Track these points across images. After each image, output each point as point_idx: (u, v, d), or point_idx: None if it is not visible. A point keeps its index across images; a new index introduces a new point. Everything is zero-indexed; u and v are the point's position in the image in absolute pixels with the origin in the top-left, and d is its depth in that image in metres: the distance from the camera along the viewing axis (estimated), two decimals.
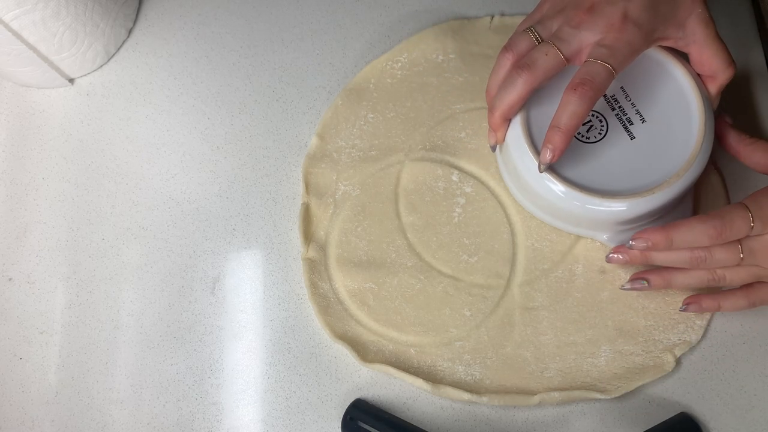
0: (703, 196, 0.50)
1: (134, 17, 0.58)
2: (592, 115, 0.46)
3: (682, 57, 0.47)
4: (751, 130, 0.52)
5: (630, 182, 0.45)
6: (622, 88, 0.47)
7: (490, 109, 0.45)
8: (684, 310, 0.45)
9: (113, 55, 0.58)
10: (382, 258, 0.50)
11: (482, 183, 0.51)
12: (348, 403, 0.47)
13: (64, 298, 0.51)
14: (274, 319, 0.50)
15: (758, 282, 0.43)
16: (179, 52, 0.57)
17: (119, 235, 0.52)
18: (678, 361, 0.47)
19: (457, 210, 0.51)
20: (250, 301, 0.50)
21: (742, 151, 0.46)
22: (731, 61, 0.45)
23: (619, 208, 0.44)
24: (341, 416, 0.47)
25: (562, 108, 0.42)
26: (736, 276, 0.43)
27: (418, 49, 0.55)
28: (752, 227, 0.41)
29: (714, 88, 0.46)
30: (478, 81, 0.54)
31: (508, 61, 0.45)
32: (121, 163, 0.54)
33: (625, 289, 0.46)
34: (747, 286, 0.44)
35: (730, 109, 0.52)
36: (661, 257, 0.43)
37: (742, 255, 0.41)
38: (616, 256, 0.45)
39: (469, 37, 0.55)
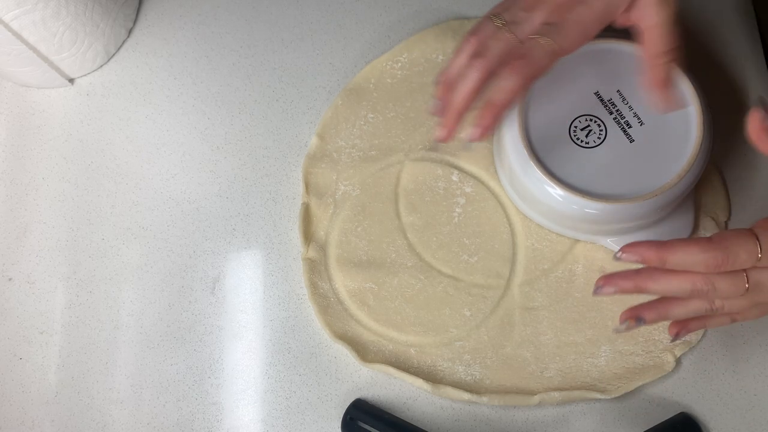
0: (704, 195, 0.50)
1: (134, 17, 0.58)
2: (591, 120, 0.46)
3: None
4: (747, 130, 0.52)
5: (630, 185, 0.45)
6: (619, 91, 0.47)
7: (448, 104, 0.43)
8: (674, 340, 0.41)
9: (113, 55, 0.58)
10: (382, 258, 0.50)
11: (482, 183, 0.51)
12: (348, 403, 0.47)
13: (64, 298, 0.51)
14: (274, 319, 0.50)
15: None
16: (179, 52, 0.57)
17: (119, 235, 0.52)
18: (678, 361, 0.47)
19: (457, 210, 0.51)
20: (250, 301, 0.50)
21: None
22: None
23: (618, 210, 0.44)
24: (341, 416, 0.47)
25: (494, 84, 0.41)
26: (735, 305, 0.38)
27: (418, 49, 0.55)
28: (759, 258, 0.35)
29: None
30: None
31: (468, 46, 0.43)
32: (121, 163, 0.54)
33: (617, 332, 0.40)
34: None
35: (730, 109, 0.52)
36: (658, 288, 0.38)
37: (747, 286, 0.36)
38: (605, 288, 0.38)
39: None
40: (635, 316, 0.39)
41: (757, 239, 0.36)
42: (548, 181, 0.44)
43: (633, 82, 0.47)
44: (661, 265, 0.37)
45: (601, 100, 0.47)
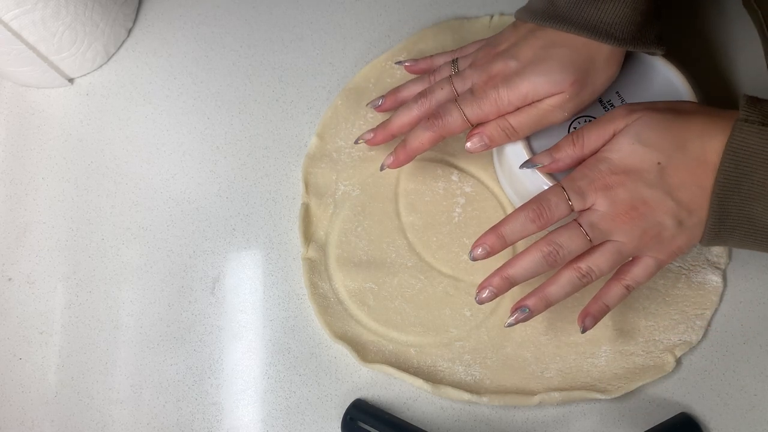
0: None
1: (134, 17, 0.58)
2: (590, 121, 0.46)
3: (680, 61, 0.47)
4: None
5: None
6: (618, 93, 0.47)
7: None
8: (584, 331, 0.42)
9: (113, 54, 0.58)
10: (382, 258, 0.50)
11: (482, 183, 0.51)
12: (348, 403, 0.47)
13: (64, 298, 0.51)
14: (274, 319, 0.50)
15: (627, 262, 0.42)
16: (179, 52, 0.57)
17: (119, 235, 0.52)
18: (678, 361, 0.47)
19: (457, 210, 0.51)
20: (250, 301, 0.50)
21: (585, 155, 0.43)
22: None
23: None
24: (341, 416, 0.47)
25: (415, 131, 0.47)
26: (600, 260, 0.41)
27: (418, 49, 0.55)
28: (570, 204, 0.41)
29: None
30: None
31: (424, 81, 0.50)
32: (121, 163, 0.54)
33: (509, 326, 0.43)
34: (618, 270, 0.43)
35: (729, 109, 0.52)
36: (518, 271, 0.42)
37: (588, 235, 0.40)
38: (482, 294, 0.43)
39: (469, 37, 0.55)
40: (518, 307, 0.43)
41: (562, 188, 0.41)
42: (547, 181, 0.44)
43: (631, 81, 0.47)
44: (503, 242, 0.42)
45: (600, 101, 0.47)
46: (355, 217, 0.51)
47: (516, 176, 0.46)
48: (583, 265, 0.41)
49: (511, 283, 0.42)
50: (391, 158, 0.48)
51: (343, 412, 0.47)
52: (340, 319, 0.49)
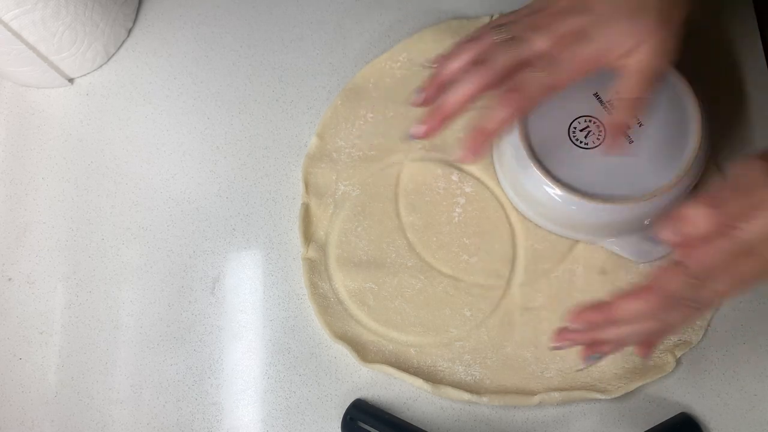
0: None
1: (134, 17, 0.58)
2: (590, 121, 0.46)
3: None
4: (751, 129, 0.52)
5: (629, 186, 0.45)
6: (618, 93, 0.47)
7: (432, 103, 0.41)
8: (646, 358, 0.41)
9: (113, 55, 0.58)
10: (382, 258, 0.50)
11: (482, 183, 0.51)
12: (348, 403, 0.47)
13: (64, 298, 0.51)
14: (274, 319, 0.50)
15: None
16: (179, 52, 0.57)
17: (119, 235, 0.52)
18: (678, 361, 0.47)
19: (457, 210, 0.51)
20: (250, 301, 0.50)
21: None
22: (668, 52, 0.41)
23: (618, 212, 0.44)
24: (341, 416, 0.47)
25: (488, 110, 0.40)
26: (678, 318, 0.38)
27: (418, 49, 0.55)
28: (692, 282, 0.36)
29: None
30: None
31: (468, 52, 0.41)
32: (121, 163, 0.54)
33: (580, 370, 0.42)
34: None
35: (728, 109, 0.52)
36: (612, 334, 0.39)
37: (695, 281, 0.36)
38: (559, 345, 0.40)
39: None
40: (595, 353, 0.40)
41: (678, 263, 0.36)
42: (547, 181, 0.44)
43: None
44: (610, 324, 0.38)
45: (600, 101, 0.47)
46: (355, 217, 0.51)
47: (516, 176, 0.46)
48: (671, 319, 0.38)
49: (595, 341, 0.39)
50: (468, 153, 0.41)
51: (343, 412, 0.47)
52: (340, 319, 0.49)
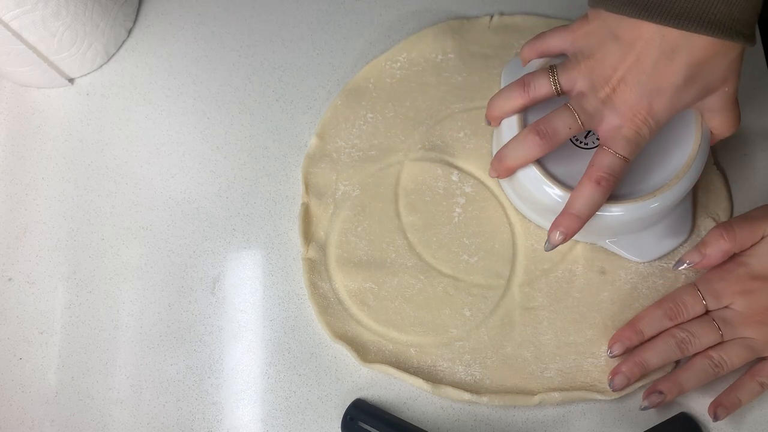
0: (704, 196, 0.50)
1: (134, 17, 0.58)
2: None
3: None
4: (749, 130, 0.52)
5: (628, 186, 0.45)
6: None
7: (499, 158, 0.45)
8: (716, 419, 0.43)
9: (113, 55, 0.58)
10: (382, 258, 0.50)
11: (482, 183, 0.51)
12: (348, 403, 0.47)
13: (64, 298, 0.51)
14: (274, 319, 0.50)
15: (761, 360, 0.43)
16: (179, 52, 0.57)
17: (119, 235, 0.52)
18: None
19: (457, 210, 0.51)
20: (250, 301, 0.50)
21: (735, 250, 0.44)
22: (737, 122, 0.45)
23: (617, 212, 0.44)
24: (341, 416, 0.47)
25: (580, 195, 0.42)
26: (732, 354, 0.43)
27: (417, 49, 0.55)
28: (705, 304, 0.43)
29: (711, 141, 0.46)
30: (477, 80, 0.54)
31: (520, 98, 0.44)
32: (121, 163, 0.54)
33: (644, 409, 0.44)
34: (751, 367, 0.43)
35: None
36: (651, 356, 0.44)
37: (720, 330, 0.42)
38: (617, 380, 0.44)
39: (469, 37, 0.55)
40: (653, 391, 0.44)
41: (697, 289, 0.44)
42: (547, 181, 0.44)
43: None
44: (640, 337, 0.44)
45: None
46: (355, 217, 0.51)
47: (516, 176, 0.46)
48: (716, 354, 0.43)
49: (644, 369, 0.44)
50: (560, 235, 0.44)
51: (343, 412, 0.47)
52: (340, 319, 0.49)
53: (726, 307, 0.43)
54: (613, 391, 0.44)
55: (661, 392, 0.43)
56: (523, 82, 0.44)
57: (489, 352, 0.47)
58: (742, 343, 0.42)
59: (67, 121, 0.56)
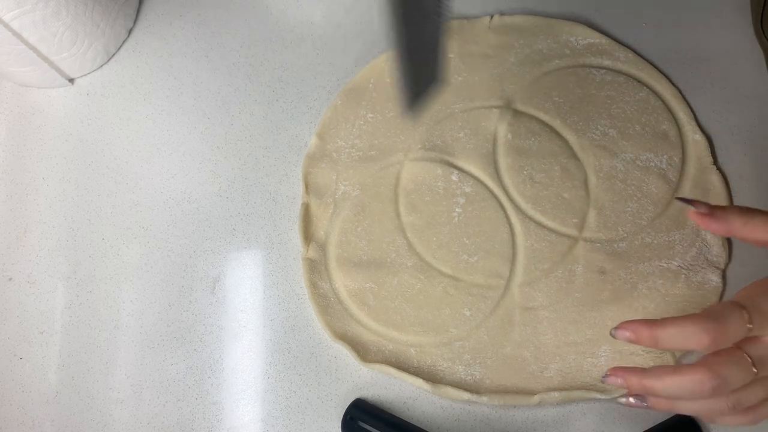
0: (704, 196, 0.50)
1: (134, 17, 0.58)
2: None
3: None
4: (749, 130, 0.52)
5: None
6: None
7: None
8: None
9: (113, 55, 0.58)
10: (382, 258, 0.50)
11: (482, 183, 0.51)
12: (348, 403, 0.47)
13: (64, 298, 0.51)
14: (274, 319, 0.50)
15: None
16: (179, 52, 0.57)
17: (119, 235, 0.52)
18: (678, 361, 0.47)
19: (457, 210, 0.51)
20: (250, 301, 0.50)
21: (738, 234, 0.38)
22: None
23: None
24: (341, 416, 0.47)
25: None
26: (751, 396, 0.36)
27: None
28: (750, 329, 0.35)
29: None
30: (477, 80, 0.54)
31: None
32: (121, 163, 0.54)
33: (620, 403, 0.40)
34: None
35: (726, 110, 0.52)
36: (664, 388, 0.36)
37: (755, 369, 0.35)
38: (612, 381, 0.39)
39: (469, 37, 0.55)
40: (641, 396, 0.39)
41: (744, 309, 0.36)
42: None
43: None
44: (653, 342, 0.36)
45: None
46: (355, 217, 0.51)
47: None
48: (733, 398, 0.36)
49: (646, 392, 0.38)
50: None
51: (343, 411, 0.47)
52: (340, 319, 0.49)
53: (762, 339, 0.36)
54: (601, 382, 0.41)
55: (649, 405, 0.39)
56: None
57: (489, 352, 0.47)
58: (765, 383, 0.36)
59: (67, 121, 0.56)
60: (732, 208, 0.38)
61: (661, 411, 0.39)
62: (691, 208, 0.39)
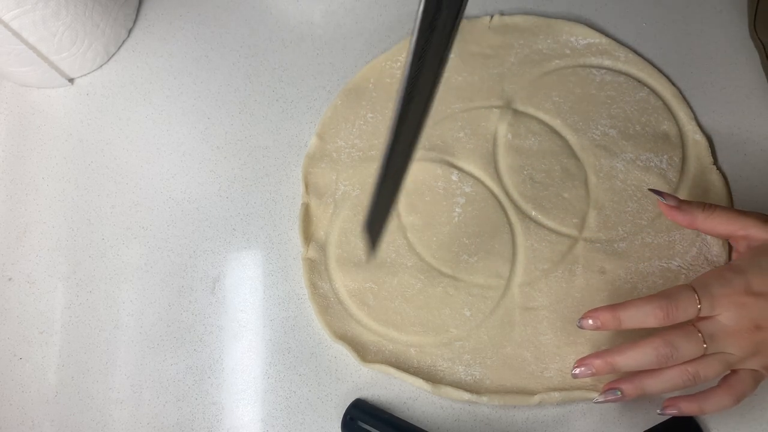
0: (704, 196, 0.50)
1: (134, 17, 0.58)
2: None
3: None
4: (749, 130, 0.52)
5: None
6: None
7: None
8: (662, 413, 0.42)
9: (113, 55, 0.58)
10: (382, 258, 0.50)
11: (482, 183, 0.51)
12: (348, 403, 0.47)
13: (64, 298, 0.51)
14: (274, 319, 0.50)
15: (733, 372, 0.41)
16: (179, 52, 0.57)
17: (119, 235, 0.52)
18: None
19: (456, 210, 0.51)
20: (250, 301, 0.50)
21: (701, 226, 0.44)
22: None
23: None
24: (341, 416, 0.47)
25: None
26: (709, 369, 0.40)
27: None
28: (699, 308, 0.40)
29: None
30: (477, 80, 0.54)
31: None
32: (121, 163, 0.54)
33: (598, 402, 0.42)
34: (725, 381, 0.41)
35: (731, 109, 0.52)
36: (625, 361, 0.41)
37: (705, 344, 0.40)
38: (581, 369, 0.42)
39: (468, 37, 0.55)
40: (611, 388, 0.42)
41: (695, 290, 0.40)
42: None
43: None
44: (617, 324, 0.41)
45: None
46: (355, 217, 0.51)
47: None
48: (691, 369, 0.40)
49: (612, 369, 0.41)
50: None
51: (343, 412, 0.47)
52: (340, 319, 0.49)
53: (713, 317, 0.40)
54: (573, 377, 0.42)
55: (620, 391, 0.41)
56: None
57: (489, 352, 0.47)
58: (720, 357, 0.40)
59: (67, 121, 0.56)
60: (697, 202, 0.44)
61: (633, 397, 0.41)
62: (661, 200, 0.44)
